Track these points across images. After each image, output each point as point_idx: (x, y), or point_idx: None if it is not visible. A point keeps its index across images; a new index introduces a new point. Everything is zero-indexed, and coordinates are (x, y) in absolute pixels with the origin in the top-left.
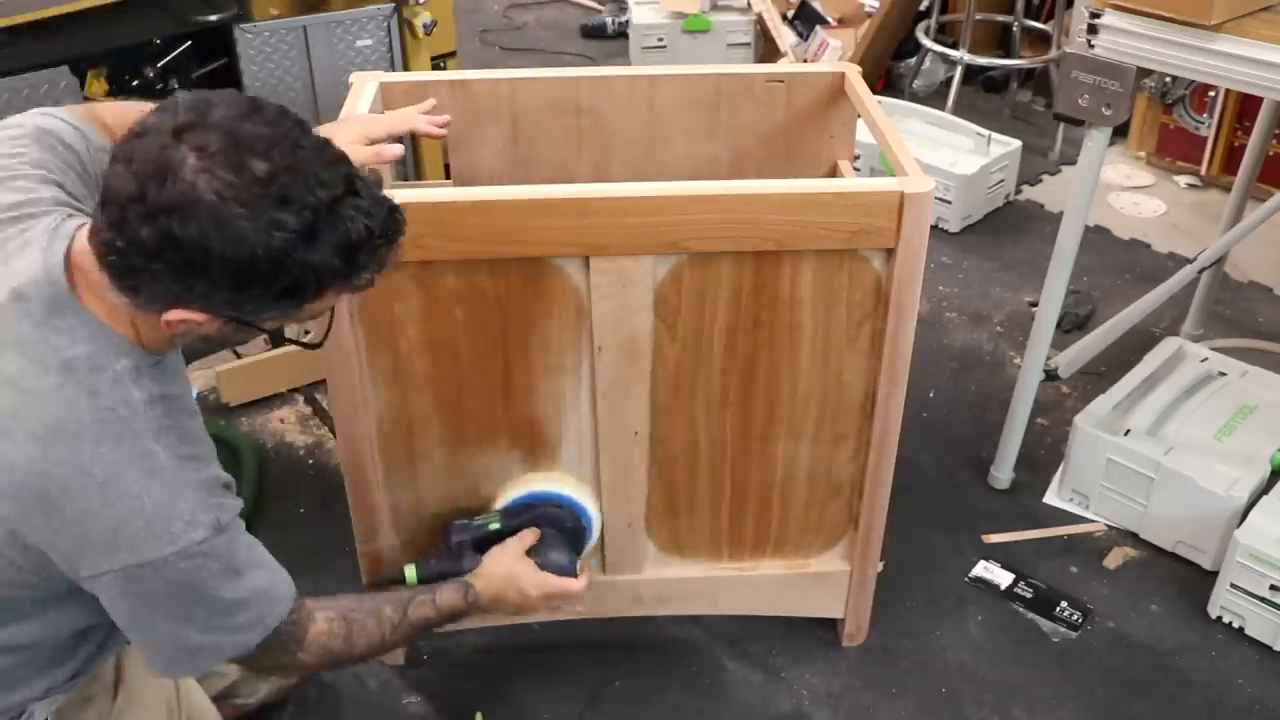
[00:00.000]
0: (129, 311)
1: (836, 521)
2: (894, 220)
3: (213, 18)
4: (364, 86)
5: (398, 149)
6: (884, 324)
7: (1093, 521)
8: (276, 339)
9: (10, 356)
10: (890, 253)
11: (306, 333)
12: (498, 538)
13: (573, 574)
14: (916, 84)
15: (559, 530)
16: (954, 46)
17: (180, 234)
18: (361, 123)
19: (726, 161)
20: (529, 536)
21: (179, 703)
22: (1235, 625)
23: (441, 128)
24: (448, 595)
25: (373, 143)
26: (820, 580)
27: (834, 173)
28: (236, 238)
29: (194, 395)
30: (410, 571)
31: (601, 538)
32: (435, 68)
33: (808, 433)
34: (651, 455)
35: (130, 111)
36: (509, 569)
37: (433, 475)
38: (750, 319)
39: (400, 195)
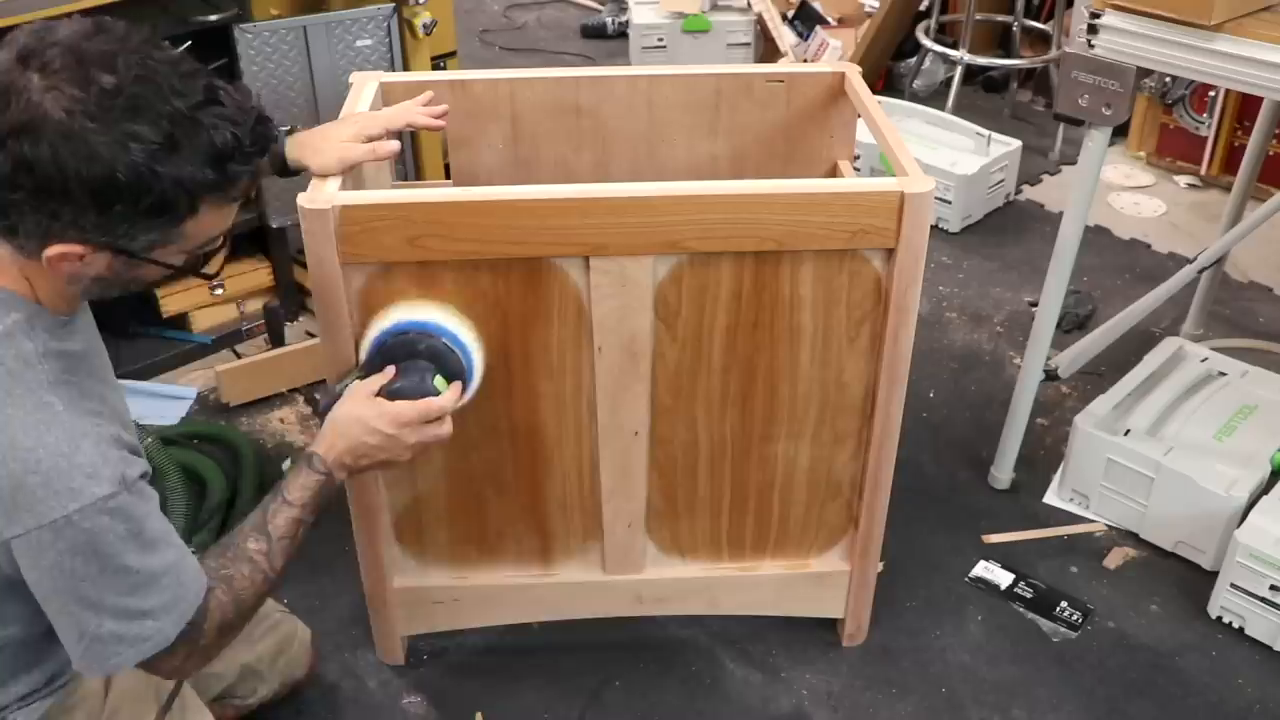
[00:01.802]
0: (17, 264)
1: (836, 521)
2: (894, 220)
3: (213, 18)
4: (364, 86)
5: (394, 145)
6: (884, 324)
7: (1093, 521)
8: (275, 337)
9: None
10: (890, 253)
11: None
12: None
13: (432, 392)
14: (916, 84)
15: (417, 357)
16: (954, 46)
17: (32, 155)
18: (359, 120)
19: (726, 161)
20: (378, 379)
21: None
22: (1235, 625)
23: (440, 119)
24: (295, 481)
25: (369, 140)
26: (820, 580)
27: (834, 173)
28: (89, 154)
29: (109, 366)
30: (286, 465)
31: (602, 538)
32: (435, 68)
33: (808, 433)
34: (651, 455)
35: None
36: (354, 413)
37: (433, 475)
38: (750, 319)
39: (400, 195)
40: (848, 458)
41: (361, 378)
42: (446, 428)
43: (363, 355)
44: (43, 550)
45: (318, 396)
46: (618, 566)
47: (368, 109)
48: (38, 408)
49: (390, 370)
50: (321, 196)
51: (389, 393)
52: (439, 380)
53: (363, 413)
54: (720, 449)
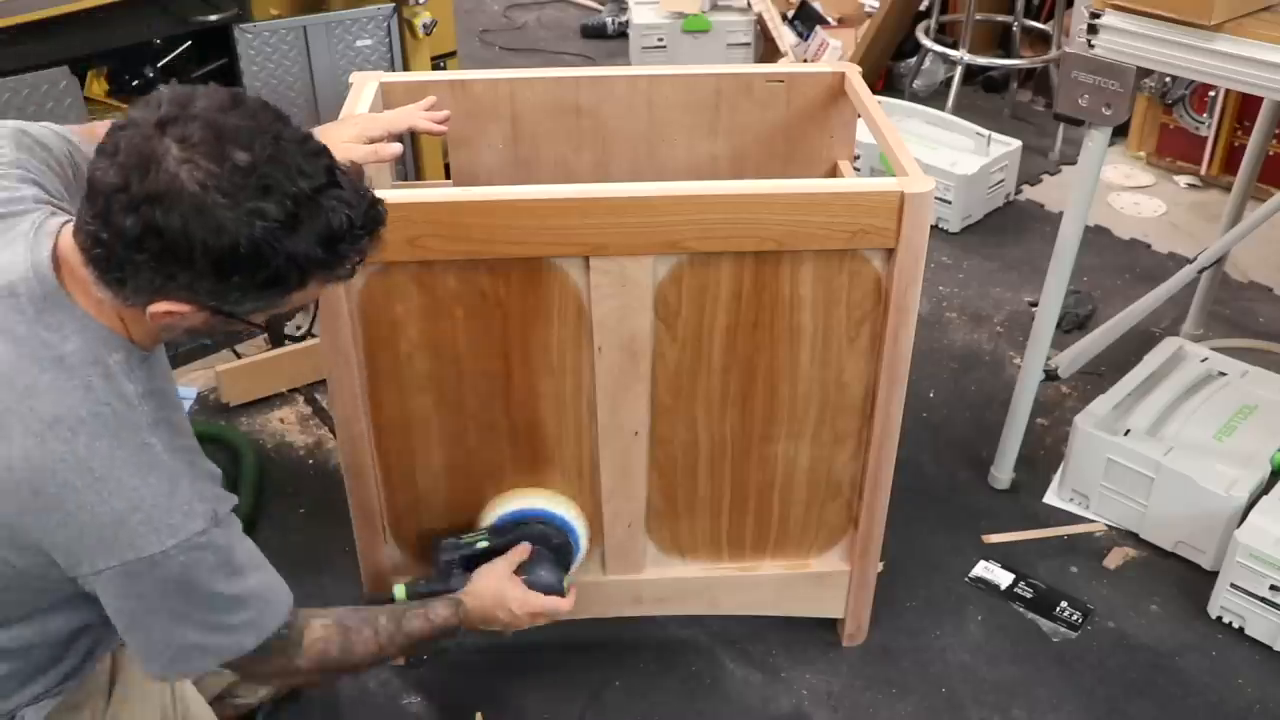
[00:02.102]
0: (115, 306)
1: (836, 521)
2: (894, 220)
3: (213, 18)
4: (364, 86)
5: (396, 147)
6: (884, 324)
7: (1093, 521)
8: (275, 337)
9: (3, 353)
10: (890, 253)
11: (299, 328)
12: (485, 556)
13: (560, 592)
14: (916, 84)
15: (546, 547)
16: (954, 46)
17: (163, 223)
18: (360, 122)
19: (726, 161)
20: (516, 554)
21: (174, 706)
22: (1235, 625)
23: (441, 124)
24: (439, 610)
25: (371, 141)
26: (820, 580)
27: (834, 173)
28: (218, 227)
29: (179, 393)
30: (399, 590)
31: (601, 538)
32: (435, 68)
33: (808, 433)
34: (651, 455)
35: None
36: (497, 588)
37: (433, 475)
38: (750, 319)
39: (400, 195)
40: (848, 458)
41: (490, 545)
42: (549, 620)
43: (489, 519)
44: (135, 581)
45: (435, 547)
46: (618, 567)
47: (368, 109)
48: (140, 449)
49: (525, 548)
50: None
51: (528, 578)
52: (567, 582)
53: (507, 592)
54: (720, 449)
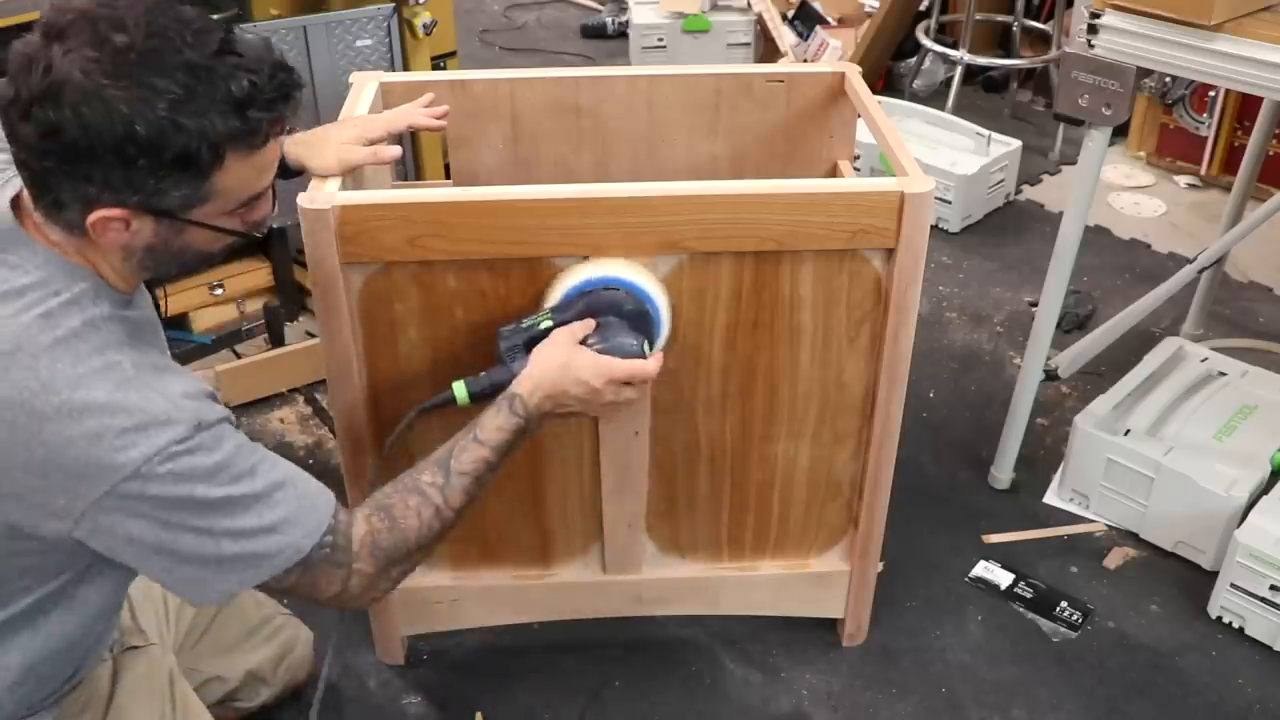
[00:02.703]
0: (74, 245)
1: (836, 521)
2: (894, 220)
3: (213, 18)
4: (364, 86)
5: (395, 150)
6: (884, 324)
7: (1093, 521)
8: (275, 338)
9: None
10: (890, 253)
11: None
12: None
13: (641, 355)
14: (916, 84)
15: (619, 316)
16: (954, 46)
17: (56, 119)
18: (360, 123)
19: (726, 161)
20: (581, 327)
21: (174, 711)
22: (1235, 625)
23: (440, 120)
24: (492, 421)
25: (371, 143)
26: (820, 580)
27: (834, 173)
28: (108, 110)
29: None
30: (460, 389)
31: (601, 538)
32: (435, 68)
33: (808, 433)
34: (652, 455)
35: None
36: (562, 359)
37: None
38: (750, 319)
39: (400, 195)
40: (848, 458)
41: (555, 322)
42: (642, 394)
43: (555, 298)
44: (131, 503)
45: (498, 337)
46: (618, 566)
47: (367, 109)
48: (107, 367)
49: (591, 322)
50: (321, 196)
51: (604, 347)
52: (647, 348)
53: (574, 360)
54: (720, 449)
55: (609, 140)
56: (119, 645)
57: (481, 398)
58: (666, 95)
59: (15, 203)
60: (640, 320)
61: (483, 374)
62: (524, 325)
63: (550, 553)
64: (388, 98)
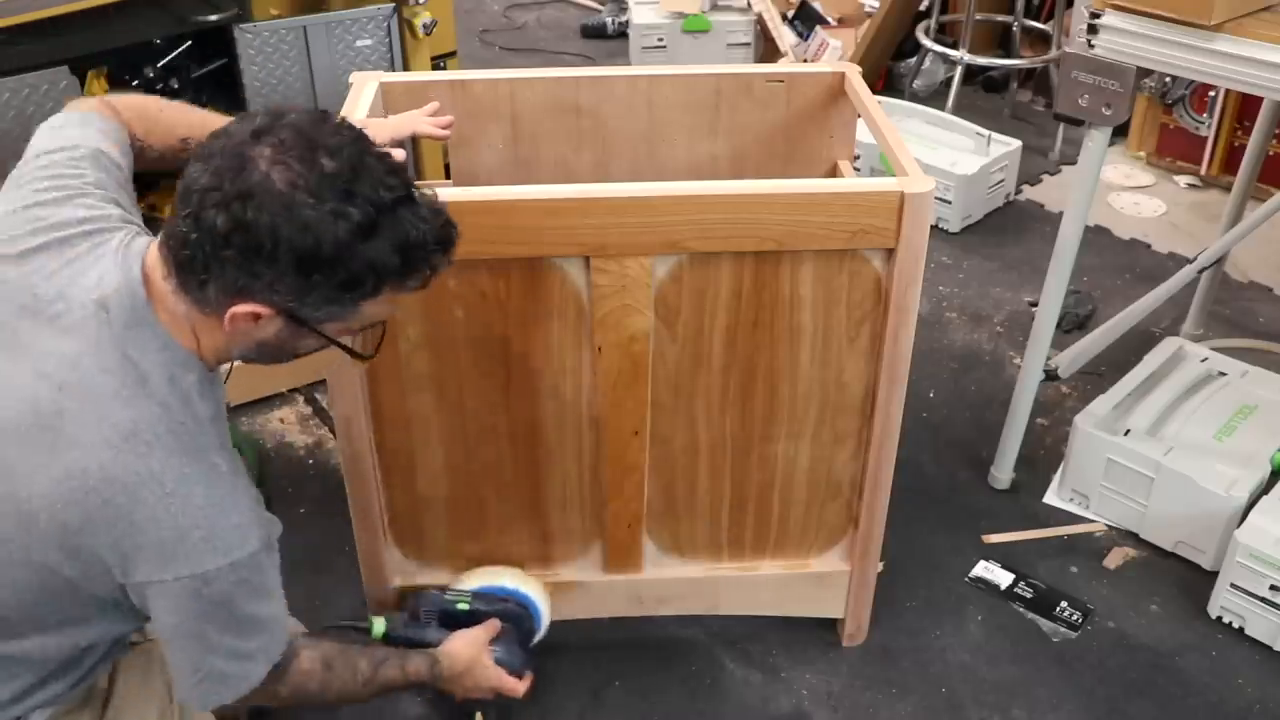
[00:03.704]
0: (191, 320)
1: (836, 521)
2: (894, 220)
3: (213, 18)
4: (364, 86)
5: (399, 153)
6: (884, 324)
7: (1093, 521)
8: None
9: (87, 365)
10: (890, 253)
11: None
12: (465, 617)
13: (519, 675)
14: (916, 84)
15: (517, 629)
16: (954, 46)
17: (252, 218)
18: (365, 127)
19: (726, 161)
20: (491, 629)
21: (172, 709)
22: (1235, 625)
23: (445, 129)
24: (415, 663)
25: None
26: (820, 580)
27: (834, 173)
28: (304, 224)
29: None
30: (379, 624)
31: (602, 537)
32: (435, 68)
33: (808, 433)
34: (651, 455)
35: (144, 103)
36: (473, 657)
37: (433, 475)
38: (750, 319)
39: None
40: (848, 458)
41: (470, 609)
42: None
43: (470, 585)
44: (188, 596)
45: (419, 598)
46: (618, 566)
47: (367, 109)
48: (209, 471)
49: (496, 624)
50: None
51: (497, 655)
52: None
53: (482, 661)
54: (720, 449)
55: (609, 140)
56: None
57: (392, 641)
58: (666, 95)
59: (141, 271)
60: (528, 636)
61: (401, 624)
62: (446, 598)
63: (550, 553)
64: (387, 98)
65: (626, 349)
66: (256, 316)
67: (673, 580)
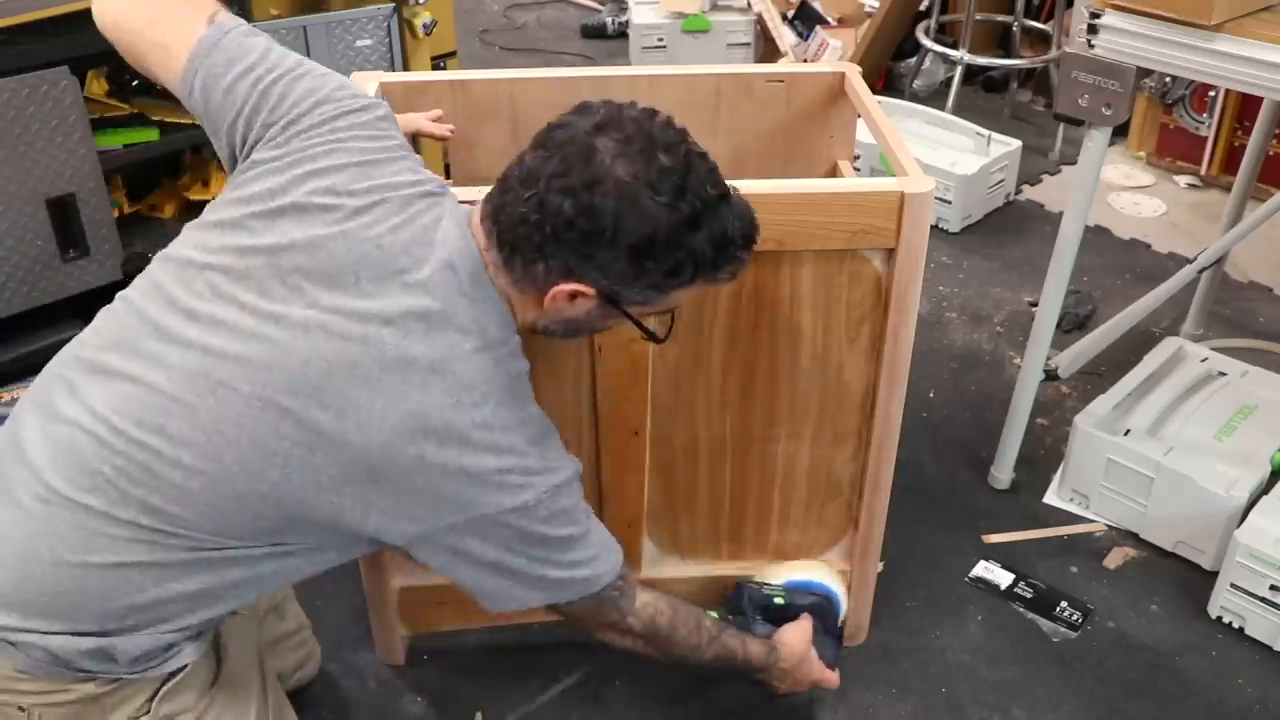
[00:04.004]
0: (508, 292)
1: (836, 521)
2: (894, 220)
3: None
4: (363, 87)
5: None
6: (884, 324)
7: (1093, 521)
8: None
9: (442, 324)
10: (890, 253)
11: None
12: (779, 611)
13: (832, 667)
14: (916, 84)
15: (822, 621)
16: (954, 46)
17: (599, 205)
18: None
19: (726, 161)
20: (809, 622)
21: (267, 695)
22: (1235, 625)
23: (445, 137)
24: (754, 646)
25: None
26: None
27: (834, 173)
28: (643, 214)
29: None
30: (713, 615)
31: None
32: (435, 68)
33: (808, 432)
34: (652, 455)
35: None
36: (808, 651)
37: None
38: (750, 319)
39: None
40: (848, 457)
41: (786, 603)
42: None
43: (779, 578)
44: (496, 530)
45: (740, 590)
46: None
47: None
48: (530, 419)
49: (810, 619)
50: None
51: (819, 648)
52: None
53: (810, 657)
54: (720, 448)
55: None
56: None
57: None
58: (666, 95)
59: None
60: (835, 630)
61: (729, 617)
62: (764, 591)
63: None
64: (387, 98)
65: (626, 349)
66: (575, 295)
67: (673, 580)
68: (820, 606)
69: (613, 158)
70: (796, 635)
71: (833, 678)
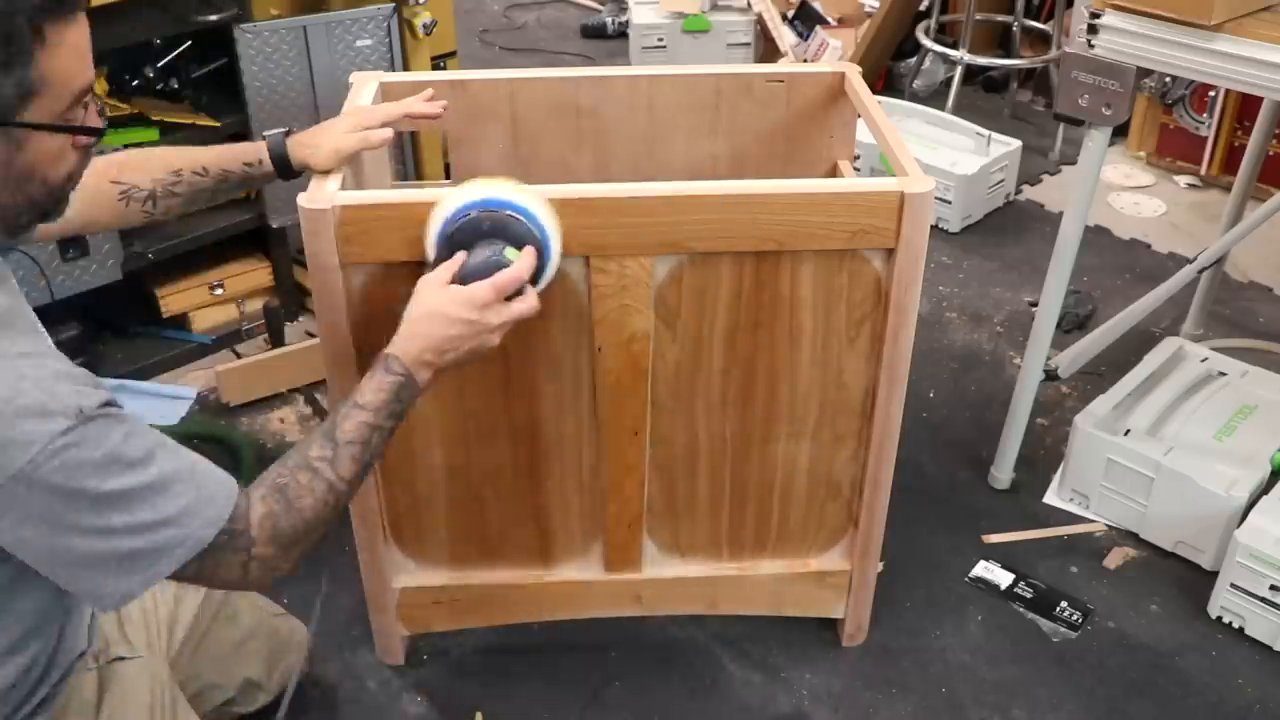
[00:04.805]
0: None
1: (836, 521)
2: (894, 220)
3: (213, 18)
4: (363, 87)
5: (386, 133)
6: (884, 324)
7: (1093, 521)
8: (275, 336)
9: None
10: (890, 253)
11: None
12: (462, 239)
13: (503, 262)
14: (916, 84)
15: (483, 238)
16: (954, 46)
17: None
18: (358, 113)
19: (726, 161)
20: (446, 267)
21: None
22: (1235, 625)
23: (438, 113)
24: (369, 383)
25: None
26: (820, 580)
27: (834, 173)
28: None
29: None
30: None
31: (602, 537)
32: (435, 68)
33: (807, 433)
34: (652, 455)
35: (129, 154)
36: (422, 309)
37: (432, 477)
38: (750, 319)
39: (401, 195)
40: (848, 458)
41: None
42: (531, 300)
43: (430, 251)
44: (17, 506)
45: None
46: (618, 566)
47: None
48: (22, 350)
49: (460, 256)
50: (322, 196)
51: (461, 278)
52: (509, 251)
53: (435, 303)
54: (720, 449)
55: (609, 140)
56: (105, 656)
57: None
58: (666, 95)
59: None
60: (506, 228)
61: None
62: (443, 229)
63: (550, 552)
64: (388, 98)
65: (626, 349)
66: None
67: (673, 580)
68: (460, 233)
69: None
70: (409, 308)
71: (508, 275)
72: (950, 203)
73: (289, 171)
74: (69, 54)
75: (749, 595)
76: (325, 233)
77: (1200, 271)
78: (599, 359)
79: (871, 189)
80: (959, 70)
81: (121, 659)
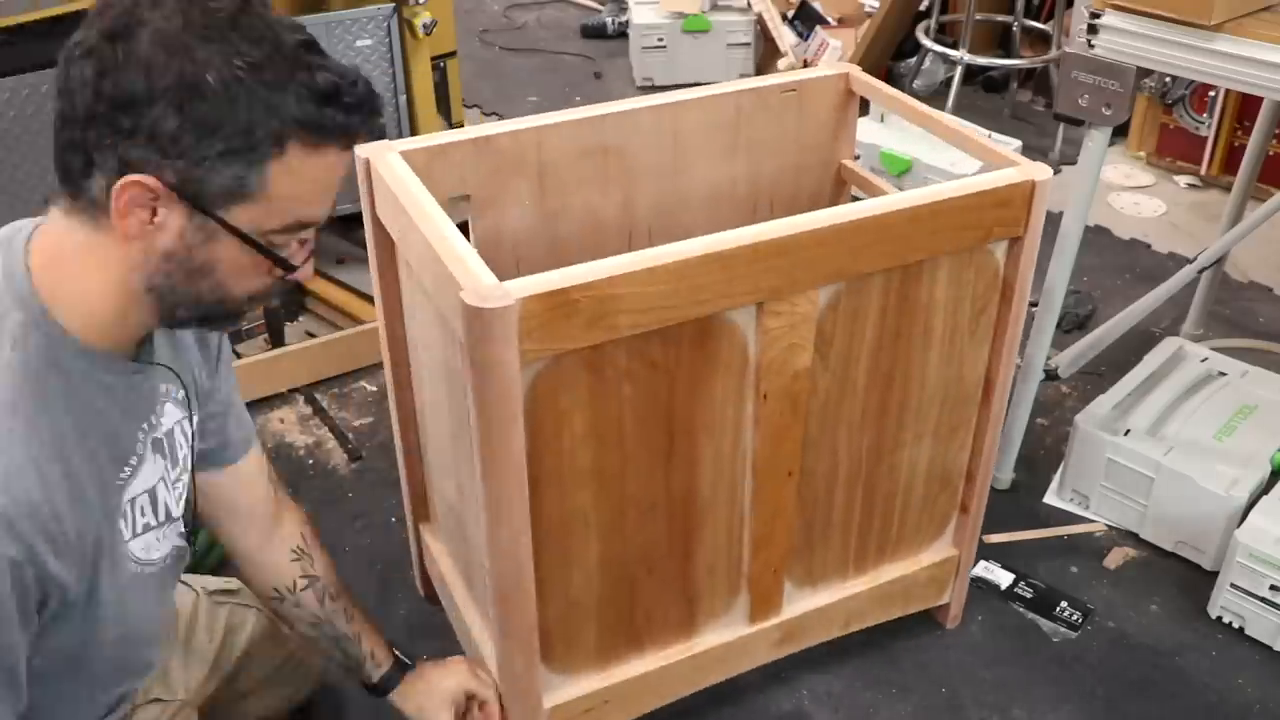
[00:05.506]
0: (90, 249)
1: (945, 510)
2: (1025, 209)
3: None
4: (382, 158)
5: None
6: (1003, 312)
7: (1093, 521)
8: (275, 336)
9: None
10: (1015, 242)
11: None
12: None
13: None
14: (916, 84)
15: None
16: (954, 46)
17: (119, 55)
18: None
19: (745, 180)
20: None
21: None
22: (1235, 625)
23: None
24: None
25: (469, 696)
26: (932, 571)
27: (841, 175)
28: (181, 55)
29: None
30: None
31: (744, 589)
32: (435, 68)
33: (929, 431)
34: (799, 492)
35: None
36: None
37: (587, 575)
38: (893, 331)
39: (580, 273)
40: (960, 446)
41: None
42: None
43: None
44: None
45: None
46: (761, 616)
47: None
48: None
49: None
50: (496, 291)
51: None
52: None
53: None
54: (856, 468)
55: (635, 177)
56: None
57: None
58: (691, 119)
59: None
60: None
61: None
62: None
63: (694, 621)
64: (411, 164)
65: (789, 389)
66: (148, 195)
67: (810, 613)
68: None
69: (149, 9)
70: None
71: None
72: None
73: (378, 689)
74: (302, 181)
75: (876, 606)
76: (506, 334)
77: (1200, 271)
78: (762, 406)
79: (1006, 182)
80: (959, 70)
81: (159, 700)
